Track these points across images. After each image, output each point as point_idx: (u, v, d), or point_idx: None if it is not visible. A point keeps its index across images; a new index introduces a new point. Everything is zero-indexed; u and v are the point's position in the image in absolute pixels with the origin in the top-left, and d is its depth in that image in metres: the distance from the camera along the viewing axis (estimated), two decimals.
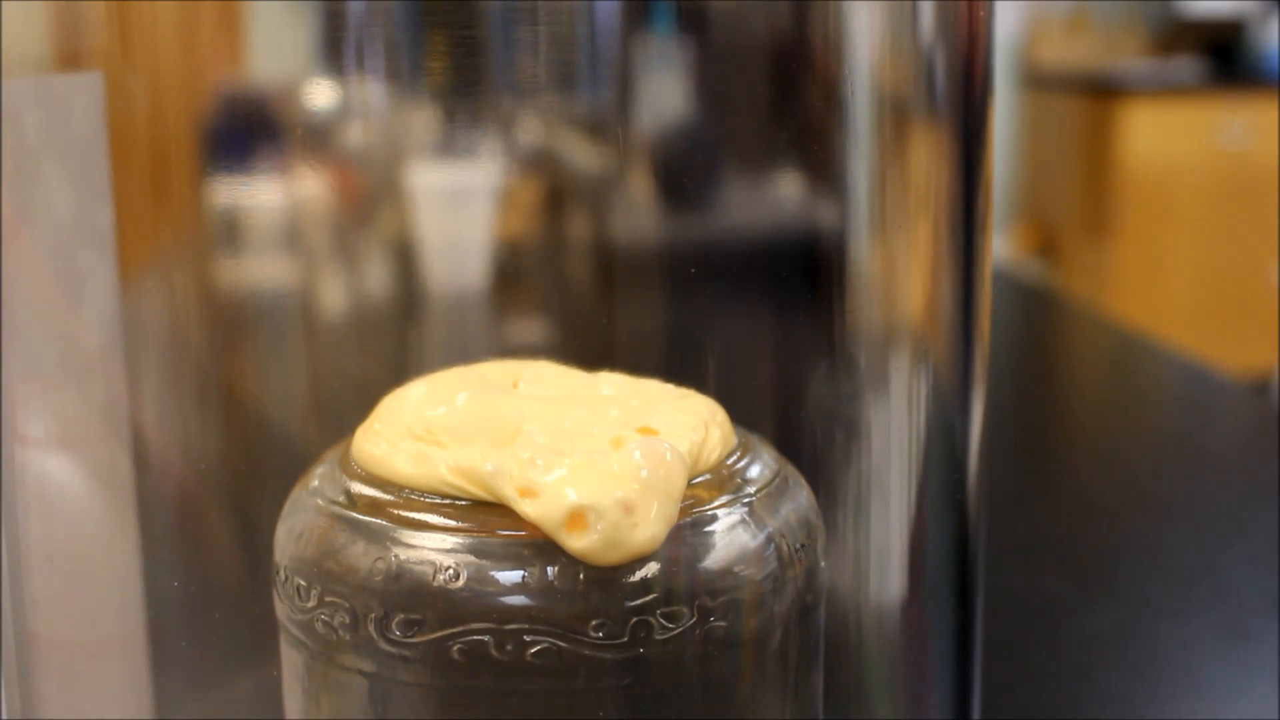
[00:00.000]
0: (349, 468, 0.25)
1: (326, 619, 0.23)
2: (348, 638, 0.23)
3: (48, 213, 0.27)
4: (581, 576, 0.22)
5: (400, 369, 0.32)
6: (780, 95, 0.29)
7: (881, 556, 0.29)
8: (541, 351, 0.32)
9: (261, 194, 0.29)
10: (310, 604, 0.23)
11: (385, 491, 0.24)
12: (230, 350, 0.31)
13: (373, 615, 0.23)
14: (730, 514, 0.24)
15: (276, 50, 0.29)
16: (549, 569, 0.22)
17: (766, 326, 0.30)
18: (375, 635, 0.23)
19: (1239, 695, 0.40)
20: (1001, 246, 2.71)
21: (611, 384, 0.27)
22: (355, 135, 0.30)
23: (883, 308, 0.29)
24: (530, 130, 0.31)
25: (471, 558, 0.23)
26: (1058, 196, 2.84)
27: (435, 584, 0.22)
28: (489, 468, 0.23)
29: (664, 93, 0.30)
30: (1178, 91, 2.62)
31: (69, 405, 0.27)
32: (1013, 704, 0.39)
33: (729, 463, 0.25)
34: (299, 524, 0.24)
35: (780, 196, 0.30)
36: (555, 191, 0.33)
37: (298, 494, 0.25)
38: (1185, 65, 2.76)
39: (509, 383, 0.26)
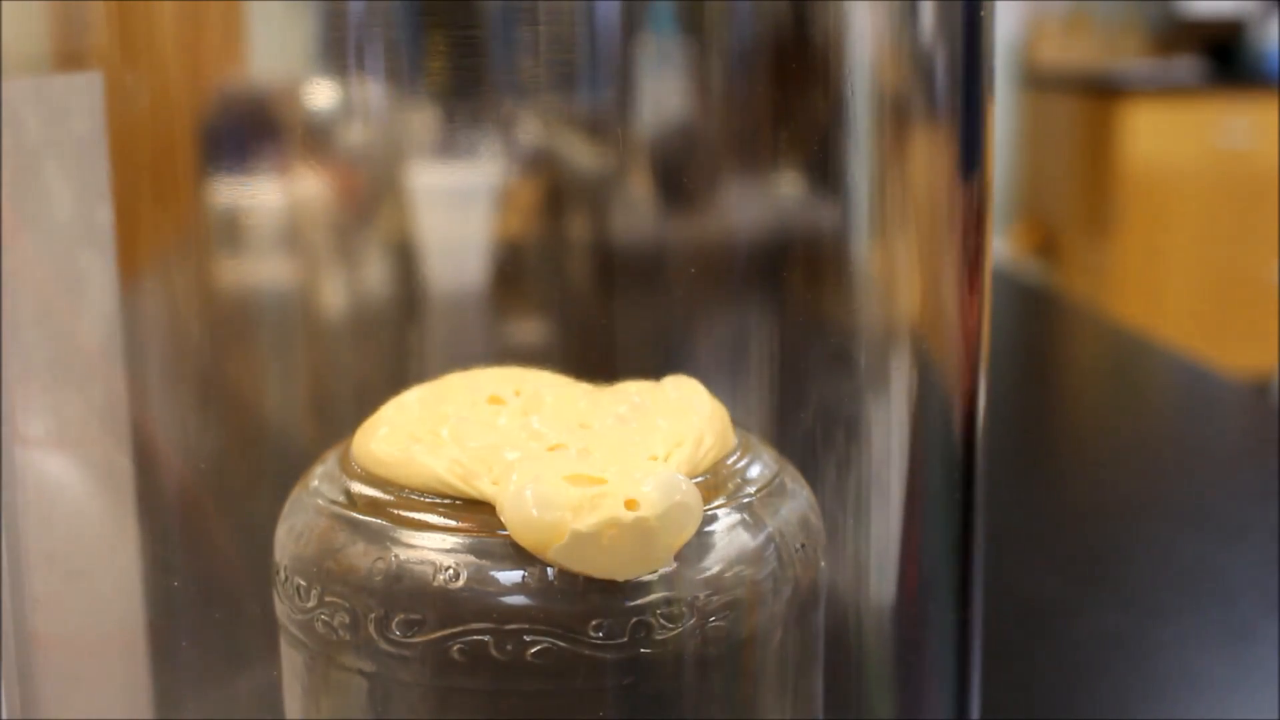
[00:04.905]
0: (349, 468, 0.25)
1: (326, 619, 0.23)
2: (348, 638, 0.23)
3: (48, 213, 0.27)
4: (581, 576, 0.22)
5: (400, 369, 0.32)
6: (780, 95, 0.29)
7: (881, 556, 0.29)
8: (541, 351, 0.32)
9: (261, 194, 0.29)
10: (310, 604, 0.23)
11: (385, 491, 0.24)
12: (230, 350, 0.31)
13: (373, 615, 0.23)
14: (730, 514, 0.24)
15: (276, 50, 0.29)
16: (549, 569, 0.22)
17: (766, 326, 0.30)
18: (375, 635, 0.23)
19: (1239, 695, 0.40)
20: (1001, 246, 2.71)
21: (609, 390, 0.27)
22: (355, 135, 0.30)
23: (883, 308, 0.29)
24: (530, 130, 0.31)
25: (471, 558, 0.23)
26: (1058, 196, 2.84)
27: (435, 584, 0.22)
28: (492, 490, 0.23)
29: (664, 93, 0.30)
30: (1178, 91, 2.62)
31: (69, 405, 0.27)
32: (1013, 704, 0.39)
33: (729, 463, 0.25)
34: (299, 524, 0.24)
35: (780, 196, 0.30)
36: (555, 191, 0.33)
37: (298, 494, 0.25)
38: (1185, 65, 2.76)
39: (510, 389, 0.26)
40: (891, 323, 0.29)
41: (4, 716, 0.28)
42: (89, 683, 0.28)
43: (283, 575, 0.24)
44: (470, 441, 0.24)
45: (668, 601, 0.23)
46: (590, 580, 0.22)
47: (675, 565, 0.23)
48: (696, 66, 0.30)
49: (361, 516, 0.24)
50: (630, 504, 0.22)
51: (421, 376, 0.27)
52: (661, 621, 0.22)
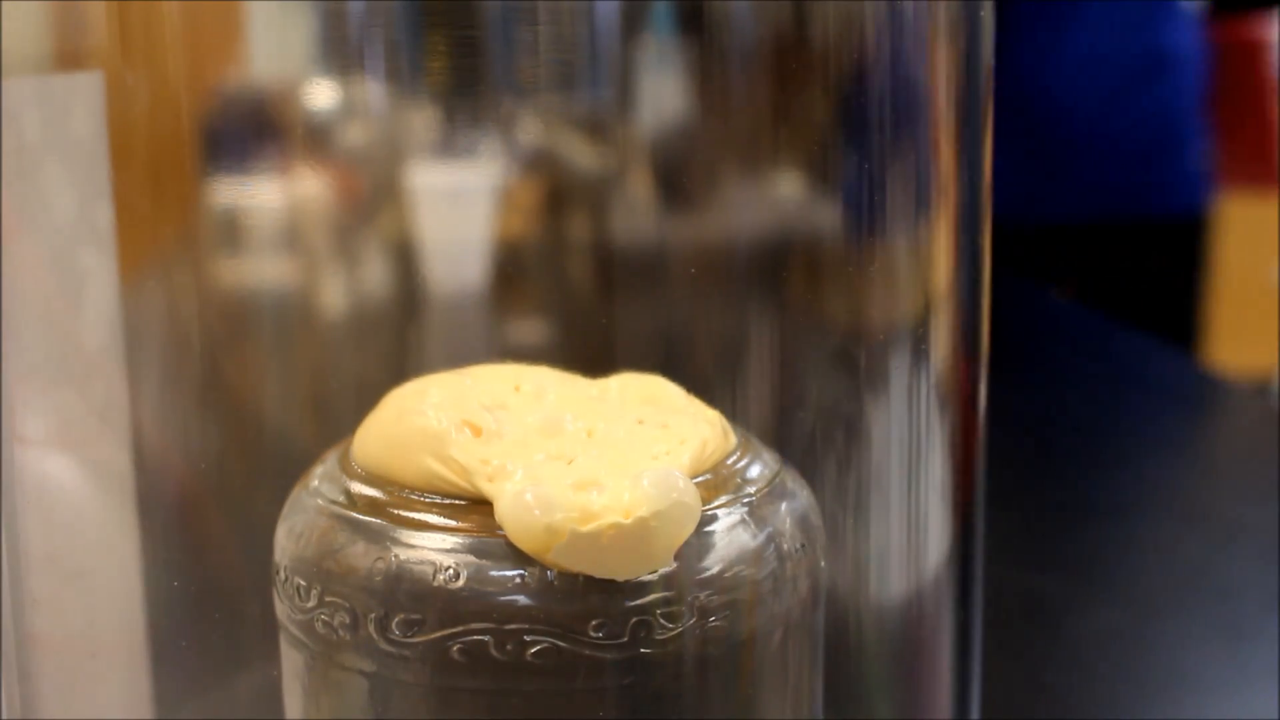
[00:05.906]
0: (349, 468, 0.25)
1: (326, 619, 0.23)
2: (348, 638, 0.23)
3: (48, 213, 0.27)
4: (581, 576, 0.22)
5: (400, 369, 0.32)
6: (780, 95, 0.29)
7: (881, 556, 0.29)
8: (541, 351, 0.32)
9: (261, 194, 0.29)
10: (310, 604, 0.23)
11: (385, 491, 0.24)
12: (230, 350, 0.31)
13: (373, 615, 0.23)
14: (730, 514, 0.24)
15: (276, 50, 0.29)
16: (549, 569, 0.22)
17: (766, 326, 0.30)
18: (375, 635, 0.23)
19: (1239, 695, 0.40)
20: None
21: (611, 389, 0.27)
22: (355, 135, 0.30)
23: (883, 308, 0.29)
24: (530, 130, 0.31)
25: (471, 558, 0.23)
26: None
27: (435, 584, 0.22)
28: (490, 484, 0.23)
29: (664, 93, 0.30)
30: None
31: (69, 405, 0.27)
32: (1013, 704, 0.39)
33: (729, 463, 0.25)
34: (299, 524, 0.24)
35: (780, 196, 0.30)
36: (555, 191, 0.33)
37: (298, 494, 0.25)
38: None
39: (511, 385, 0.26)
40: (891, 323, 0.29)
41: (4, 716, 0.28)
42: (89, 683, 0.28)
43: (283, 575, 0.24)
44: (458, 403, 0.24)
45: (668, 601, 0.23)
46: (590, 580, 0.22)
47: (675, 565, 0.23)
48: (696, 66, 0.30)
49: (361, 516, 0.24)
50: (627, 512, 0.22)
51: (421, 377, 0.27)
52: (661, 621, 0.22)
